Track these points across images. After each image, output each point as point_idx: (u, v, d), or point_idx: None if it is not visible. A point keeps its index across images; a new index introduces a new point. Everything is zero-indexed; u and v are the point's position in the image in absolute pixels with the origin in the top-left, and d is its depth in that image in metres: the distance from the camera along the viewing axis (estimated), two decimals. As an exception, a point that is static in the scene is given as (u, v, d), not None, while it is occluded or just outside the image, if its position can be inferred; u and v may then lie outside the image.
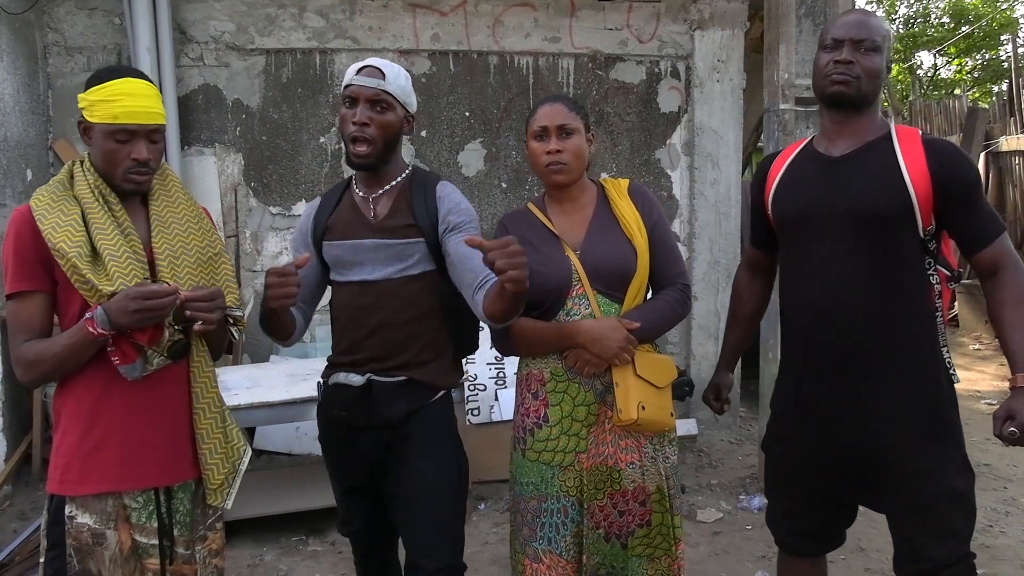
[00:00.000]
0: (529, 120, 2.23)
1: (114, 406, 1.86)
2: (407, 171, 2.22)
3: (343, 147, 2.19)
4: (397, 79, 2.11)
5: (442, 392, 2.19)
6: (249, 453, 2.11)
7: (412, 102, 2.17)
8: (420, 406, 2.13)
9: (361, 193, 2.19)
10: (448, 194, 2.16)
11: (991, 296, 1.98)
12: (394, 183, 2.17)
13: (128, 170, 1.86)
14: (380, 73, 2.08)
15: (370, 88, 2.06)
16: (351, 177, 2.25)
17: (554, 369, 2.19)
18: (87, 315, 1.77)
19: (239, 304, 2.03)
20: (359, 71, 2.09)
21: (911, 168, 1.95)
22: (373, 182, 2.17)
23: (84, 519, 1.86)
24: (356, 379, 2.12)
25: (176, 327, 1.85)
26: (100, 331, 1.75)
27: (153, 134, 1.89)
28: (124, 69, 1.91)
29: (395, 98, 2.09)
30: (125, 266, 1.82)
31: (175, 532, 1.96)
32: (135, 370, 1.83)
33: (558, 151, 2.15)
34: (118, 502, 1.89)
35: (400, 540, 2.25)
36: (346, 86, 2.10)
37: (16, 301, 1.85)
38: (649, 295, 2.26)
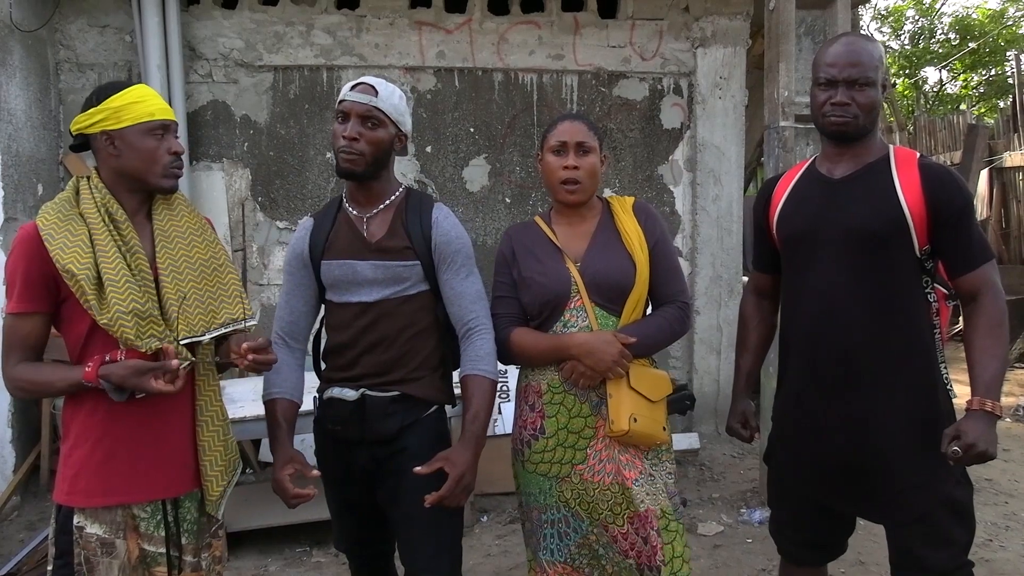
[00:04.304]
0: (547, 134, 2.26)
1: (123, 420, 1.89)
2: (400, 190, 2.21)
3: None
4: (390, 97, 2.12)
5: (435, 407, 2.19)
6: (240, 465, 2.14)
7: (405, 121, 2.17)
8: (413, 421, 2.14)
9: (355, 212, 2.18)
10: (441, 220, 2.16)
11: (967, 321, 2.02)
12: (387, 202, 2.17)
13: (170, 165, 1.93)
14: (373, 90, 2.10)
15: (362, 104, 2.08)
16: (341, 196, 2.25)
17: (551, 381, 2.22)
18: (87, 367, 1.80)
19: (251, 313, 2.05)
20: (353, 87, 2.11)
21: (906, 189, 2.00)
22: (365, 200, 2.17)
23: (94, 529, 1.88)
24: (350, 394, 2.13)
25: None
26: (98, 385, 1.80)
27: (176, 131, 1.97)
28: (128, 81, 1.96)
29: (387, 115, 2.11)
30: (123, 292, 1.83)
31: (183, 540, 1.98)
32: (123, 395, 1.85)
33: (575, 167, 2.19)
34: (127, 512, 1.91)
35: (397, 554, 2.24)
36: (340, 101, 2.12)
37: (16, 318, 1.87)
38: (649, 311, 2.30)
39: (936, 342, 2.07)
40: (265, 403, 2.22)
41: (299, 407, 2.24)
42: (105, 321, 1.80)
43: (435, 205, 2.20)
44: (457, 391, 2.20)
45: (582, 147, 2.20)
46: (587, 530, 2.21)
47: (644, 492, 2.17)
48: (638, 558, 2.17)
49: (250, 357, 1.87)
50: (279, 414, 2.18)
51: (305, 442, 4.68)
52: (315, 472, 2.11)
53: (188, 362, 1.90)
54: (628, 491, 2.16)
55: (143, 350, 1.83)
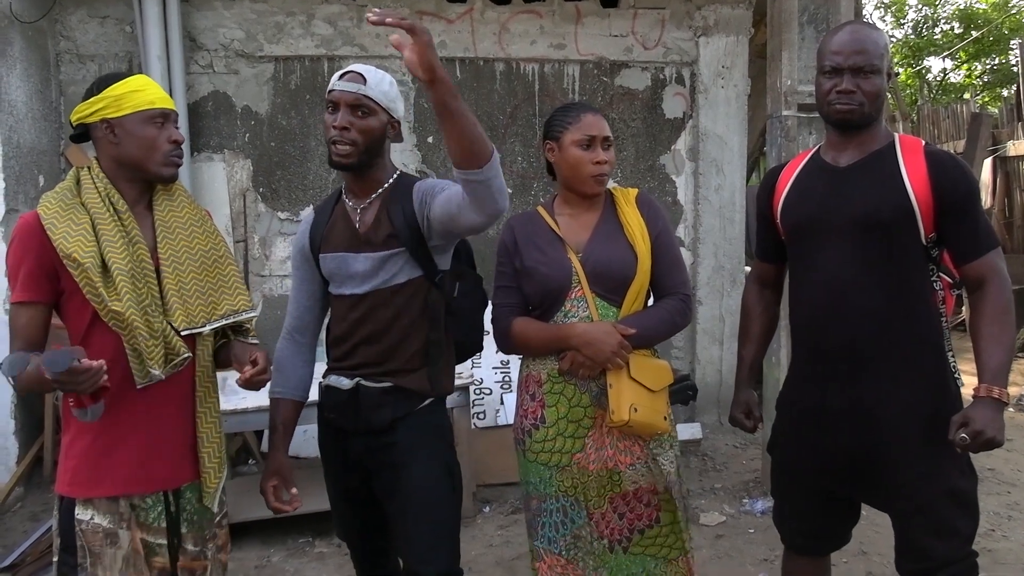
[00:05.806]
0: (569, 125, 2.24)
1: (124, 410, 1.88)
2: (393, 177, 2.18)
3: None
4: (380, 84, 2.09)
5: (430, 399, 2.17)
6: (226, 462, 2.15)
7: (397, 108, 2.14)
8: (406, 413, 2.12)
9: (350, 203, 2.17)
10: (418, 189, 2.12)
11: (973, 308, 2.01)
12: (380, 191, 2.15)
13: (170, 153, 1.93)
14: (361, 79, 2.07)
15: (351, 93, 2.05)
16: (341, 188, 2.24)
17: (551, 371, 2.22)
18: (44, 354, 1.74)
19: (251, 306, 2.05)
20: (341, 76, 2.09)
21: (912, 177, 1.99)
22: (360, 191, 2.16)
23: (97, 519, 1.88)
24: (345, 382, 2.13)
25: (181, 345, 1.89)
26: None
27: (176, 121, 1.97)
28: (129, 72, 1.95)
29: (377, 103, 2.07)
30: (132, 282, 1.83)
31: (183, 529, 1.99)
32: (85, 415, 1.79)
33: (606, 162, 2.22)
34: (128, 502, 1.91)
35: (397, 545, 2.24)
36: (329, 91, 2.09)
37: (17, 308, 1.86)
38: (651, 303, 2.29)
39: (944, 330, 2.06)
40: (270, 399, 2.25)
41: (303, 404, 2.26)
42: (118, 308, 1.79)
43: (417, 183, 2.15)
44: (459, 382, 2.20)
45: (608, 141, 2.23)
46: (583, 521, 2.22)
47: (638, 474, 2.19)
48: (610, 536, 2.22)
49: (248, 374, 1.89)
50: (278, 417, 2.22)
51: (307, 432, 4.72)
52: (294, 491, 2.15)
53: (186, 356, 1.90)
54: (619, 474, 2.19)
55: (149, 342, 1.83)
